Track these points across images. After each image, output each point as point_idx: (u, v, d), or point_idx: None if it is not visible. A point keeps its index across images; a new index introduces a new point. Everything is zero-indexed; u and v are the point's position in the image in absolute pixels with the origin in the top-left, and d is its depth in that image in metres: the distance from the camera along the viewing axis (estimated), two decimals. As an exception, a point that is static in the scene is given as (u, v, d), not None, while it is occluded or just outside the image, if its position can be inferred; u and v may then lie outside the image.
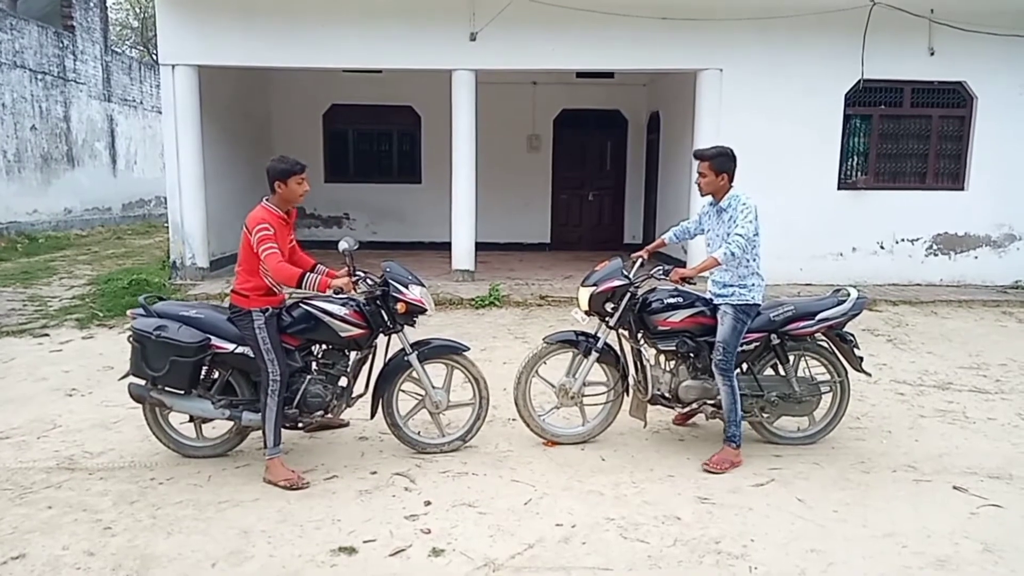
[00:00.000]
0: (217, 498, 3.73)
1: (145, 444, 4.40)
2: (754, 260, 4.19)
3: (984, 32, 8.90)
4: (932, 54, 9.12)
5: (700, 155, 4.24)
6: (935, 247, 9.61)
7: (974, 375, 6.04)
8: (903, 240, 9.58)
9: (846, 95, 9.24)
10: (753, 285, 4.20)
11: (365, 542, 3.31)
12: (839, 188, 9.48)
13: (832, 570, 3.14)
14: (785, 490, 3.89)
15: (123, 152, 18.03)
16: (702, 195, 4.33)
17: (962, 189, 9.59)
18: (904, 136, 9.59)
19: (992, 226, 9.61)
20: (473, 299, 8.38)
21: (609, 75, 11.98)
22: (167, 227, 9.77)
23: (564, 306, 8.17)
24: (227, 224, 9.89)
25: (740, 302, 4.18)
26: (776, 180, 9.02)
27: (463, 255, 9.41)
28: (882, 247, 9.57)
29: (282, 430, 3.95)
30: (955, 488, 3.93)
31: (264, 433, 3.88)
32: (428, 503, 3.69)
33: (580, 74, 11.89)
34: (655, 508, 3.67)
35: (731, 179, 4.21)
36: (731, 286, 4.21)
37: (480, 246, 9.81)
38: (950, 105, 9.49)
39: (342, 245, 4.05)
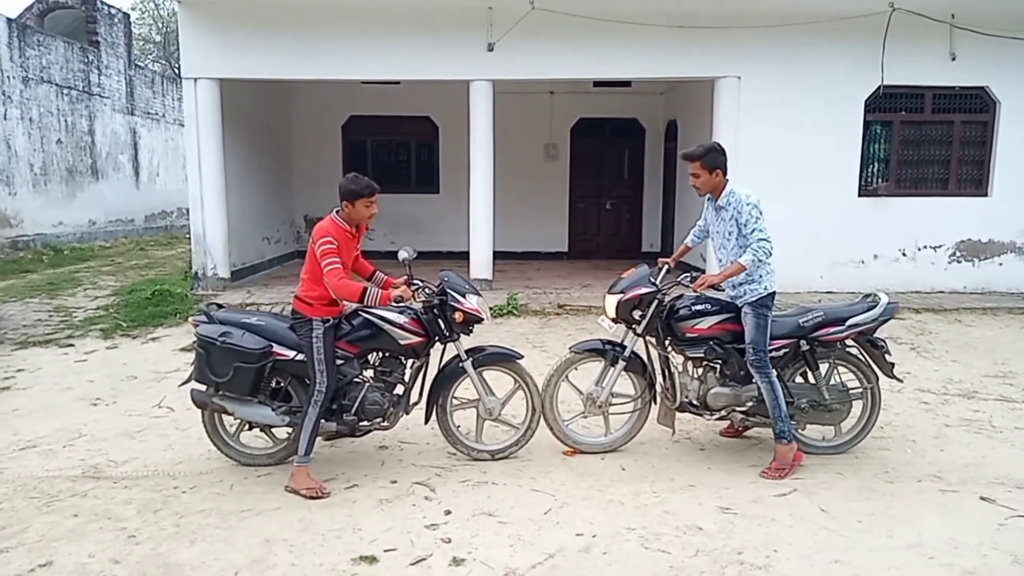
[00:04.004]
0: (239, 507, 3.76)
1: (168, 453, 4.45)
2: None
3: (1006, 37, 8.79)
4: (953, 59, 9.03)
5: (689, 156, 4.18)
6: (958, 254, 9.49)
7: (1000, 384, 5.94)
8: (925, 247, 9.46)
9: (866, 101, 9.17)
10: (762, 276, 4.16)
11: (386, 551, 3.32)
12: (860, 195, 9.39)
13: (857, 582, 3.10)
14: (808, 500, 3.85)
15: (146, 164, 18.29)
16: (701, 196, 4.31)
17: (985, 195, 9.46)
18: (925, 142, 9.49)
19: (1017, 232, 9.46)
20: (491, 308, 8.37)
21: (626, 84, 11.99)
22: (189, 238, 9.88)
23: (582, 315, 8.15)
24: (248, 235, 10.00)
25: (755, 298, 4.15)
26: (796, 187, 8.97)
27: (481, 264, 9.43)
28: (904, 254, 9.46)
29: (337, 438, 4.02)
30: (982, 499, 3.86)
31: (299, 440, 3.93)
32: (448, 512, 3.70)
33: (597, 83, 11.93)
34: (676, 518, 3.64)
35: (725, 172, 4.18)
36: (742, 284, 4.19)
37: (498, 255, 9.83)
38: (972, 110, 9.38)
39: (401, 255, 4.17)
